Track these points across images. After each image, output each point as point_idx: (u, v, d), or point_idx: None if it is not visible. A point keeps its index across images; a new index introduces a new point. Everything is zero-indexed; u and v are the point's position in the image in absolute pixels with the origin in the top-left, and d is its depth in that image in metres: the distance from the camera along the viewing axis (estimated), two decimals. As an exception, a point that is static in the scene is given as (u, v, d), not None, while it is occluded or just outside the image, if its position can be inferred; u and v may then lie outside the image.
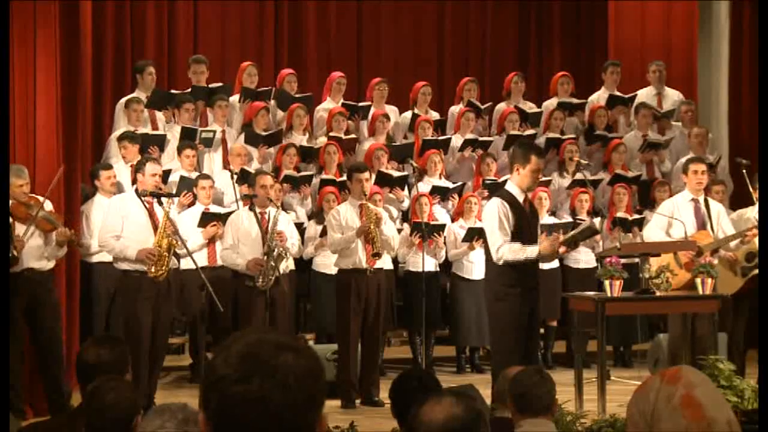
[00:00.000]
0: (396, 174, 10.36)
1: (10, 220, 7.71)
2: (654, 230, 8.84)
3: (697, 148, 10.95)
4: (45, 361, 7.84)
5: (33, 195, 7.89)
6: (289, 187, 10.03)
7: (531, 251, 7.17)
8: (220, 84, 10.95)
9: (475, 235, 9.77)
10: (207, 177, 9.65)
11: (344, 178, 9.52)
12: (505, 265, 7.15)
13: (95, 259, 9.11)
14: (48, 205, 7.93)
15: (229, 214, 9.07)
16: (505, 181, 9.76)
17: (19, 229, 7.74)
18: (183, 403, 3.14)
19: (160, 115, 10.59)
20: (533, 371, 4.57)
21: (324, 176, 10.17)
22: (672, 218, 8.71)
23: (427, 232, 9.50)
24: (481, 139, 11.07)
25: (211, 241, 9.30)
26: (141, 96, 10.51)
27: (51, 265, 8.00)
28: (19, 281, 7.71)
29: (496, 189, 10.00)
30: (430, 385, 4.22)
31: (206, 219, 9.26)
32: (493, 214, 7.20)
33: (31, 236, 7.81)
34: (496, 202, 7.27)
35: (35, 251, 7.85)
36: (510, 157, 7.71)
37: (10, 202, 7.73)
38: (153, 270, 7.81)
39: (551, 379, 4.55)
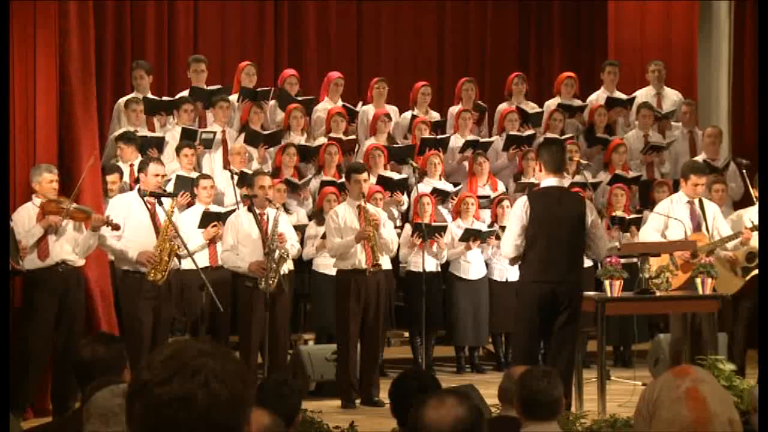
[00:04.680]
0: (396, 177, 10.34)
1: (45, 222, 7.71)
2: (649, 231, 8.83)
3: (710, 148, 10.92)
4: (62, 360, 7.79)
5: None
6: (289, 190, 10.02)
7: None
8: (219, 86, 10.93)
9: (472, 235, 9.75)
10: (207, 177, 9.64)
11: (344, 179, 9.50)
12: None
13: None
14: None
15: (229, 213, 9.06)
16: (502, 194, 9.97)
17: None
18: (118, 406, 2.95)
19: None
20: (541, 375, 4.33)
21: (324, 177, 10.16)
22: (669, 217, 8.70)
23: (427, 233, 9.49)
24: (482, 140, 11.05)
25: (211, 242, 9.29)
26: (139, 96, 10.51)
27: (82, 262, 7.98)
28: (52, 275, 7.73)
29: (491, 203, 10.07)
30: (429, 385, 4.21)
31: (207, 219, 9.25)
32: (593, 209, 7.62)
33: (65, 230, 7.80)
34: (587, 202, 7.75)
35: (70, 243, 7.84)
36: (559, 158, 7.51)
37: (41, 200, 7.75)
38: (152, 274, 7.81)
39: (559, 384, 4.34)
